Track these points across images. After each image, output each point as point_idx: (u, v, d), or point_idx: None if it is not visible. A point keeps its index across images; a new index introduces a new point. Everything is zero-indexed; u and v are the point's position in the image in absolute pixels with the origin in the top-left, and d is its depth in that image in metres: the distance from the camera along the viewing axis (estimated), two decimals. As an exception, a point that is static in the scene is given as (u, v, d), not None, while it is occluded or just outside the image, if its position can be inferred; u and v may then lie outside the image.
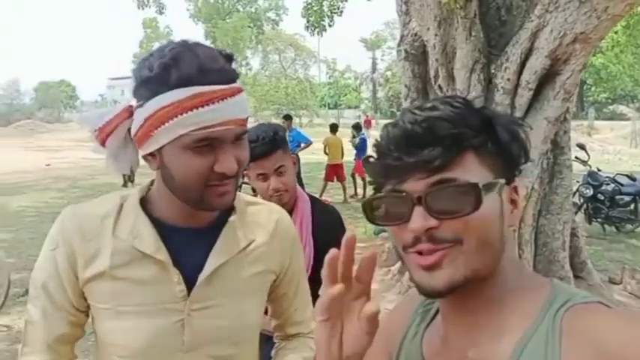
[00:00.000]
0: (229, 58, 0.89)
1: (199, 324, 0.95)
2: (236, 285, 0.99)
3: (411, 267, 0.66)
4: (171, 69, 0.83)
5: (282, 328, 1.20)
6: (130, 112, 0.90)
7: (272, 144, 1.73)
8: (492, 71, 4.24)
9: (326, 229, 1.89)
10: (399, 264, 5.14)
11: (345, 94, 61.68)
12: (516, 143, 0.67)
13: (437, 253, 0.63)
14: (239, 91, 0.88)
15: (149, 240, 0.94)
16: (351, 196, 10.20)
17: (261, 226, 1.05)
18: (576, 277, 4.49)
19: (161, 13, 17.43)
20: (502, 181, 0.65)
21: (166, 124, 0.84)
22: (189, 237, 0.97)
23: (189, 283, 0.95)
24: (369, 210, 0.69)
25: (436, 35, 4.32)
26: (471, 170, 0.63)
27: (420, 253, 0.64)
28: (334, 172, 9.99)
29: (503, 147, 0.65)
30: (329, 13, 15.19)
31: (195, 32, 42.96)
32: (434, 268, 0.63)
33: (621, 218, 7.13)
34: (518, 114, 4.25)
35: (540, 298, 0.66)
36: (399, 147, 0.64)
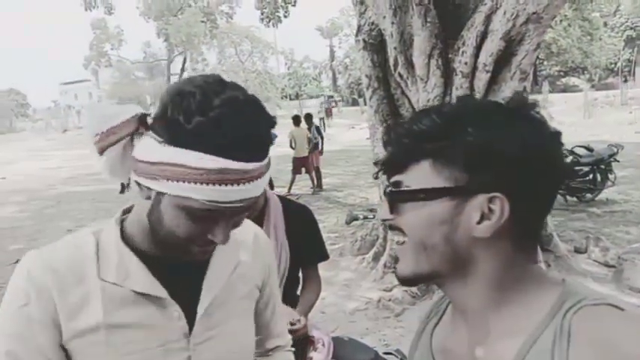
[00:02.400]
0: (272, 124, 0.80)
1: (205, 357, 0.92)
2: (232, 309, 0.97)
3: None
4: (210, 132, 0.73)
5: (262, 343, 1.17)
6: (140, 124, 0.79)
7: None
8: (450, 56, 4.30)
9: (300, 229, 1.89)
10: (372, 252, 5.20)
11: (306, 84, 61.50)
12: (479, 156, 0.65)
13: (397, 246, 0.73)
14: (268, 168, 0.81)
15: (141, 277, 0.86)
16: (317, 187, 10.22)
17: (243, 244, 1.02)
18: (543, 249, 4.64)
19: (110, 13, 16.96)
20: (455, 190, 0.66)
21: (181, 184, 0.74)
22: (178, 267, 0.89)
23: (188, 316, 0.90)
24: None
25: (393, 23, 4.34)
26: (420, 176, 0.68)
27: None
28: (301, 164, 9.98)
29: (464, 160, 0.66)
30: (283, 4, 15.08)
31: (147, 30, 41.85)
32: (396, 259, 0.74)
33: (581, 188, 7.38)
34: (477, 96, 4.33)
35: (551, 298, 0.66)
36: (384, 146, 0.75)
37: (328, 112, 21.15)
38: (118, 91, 47.93)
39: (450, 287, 0.72)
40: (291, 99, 56.80)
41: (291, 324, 1.73)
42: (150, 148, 0.77)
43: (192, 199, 0.75)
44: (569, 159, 7.46)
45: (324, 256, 1.97)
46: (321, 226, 1.96)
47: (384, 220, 0.75)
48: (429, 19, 4.16)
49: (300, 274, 1.99)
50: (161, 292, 0.87)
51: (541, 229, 0.74)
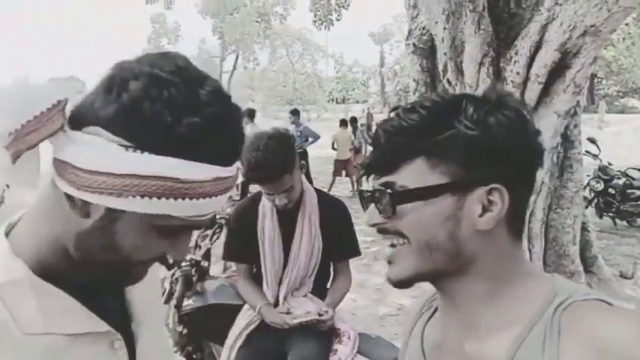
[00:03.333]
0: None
1: None
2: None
3: None
4: (205, 135, 0.59)
5: None
6: (64, 117, 0.60)
7: (279, 171, 1.71)
8: (501, 65, 4.21)
9: (334, 222, 1.91)
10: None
11: (353, 89, 61.46)
12: (477, 149, 0.65)
13: (391, 249, 0.70)
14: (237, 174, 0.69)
15: (76, 313, 0.67)
16: (357, 190, 10.21)
17: None
18: (587, 271, 4.48)
19: (169, 8, 17.53)
20: (455, 185, 0.65)
21: (164, 201, 0.59)
22: (93, 286, 0.71)
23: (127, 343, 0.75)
24: (360, 199, 0.77)
25: (444, 29, 4.30)
26: (416, 175, 0.66)
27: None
28: (342, 166, 10.00)
29: (459, 154, 0.65)
30: (336, 7, 15.19)
31: (203, 27, 43.03)
32: (389, 262, 0.71)
33: (632, 212, 7.05)
34: (528, 107, 4.22)
35: (540, 294, 0.66)
36: (372, 147, 0.72)
37: (370, 118, 21.14)
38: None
39: (448, 283, 0.71)
40: (337, 102, 56.96)
41: (319, 314, 1.75)
42: (108, 154, 0.57)
43: (172, 216, 0.61)
44: (621, 181, 7.17)
45: (356, 252, 1.98)
46: (357, 229, 1.98)
47: (374, 225, 0.71)
48: (482, 27, 4.10)
49: (332, 270, 2.01)
50: (103, 325, 0.69)
51: (525, 215, 0.74)
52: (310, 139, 9.68)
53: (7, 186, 0.65)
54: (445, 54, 4.41)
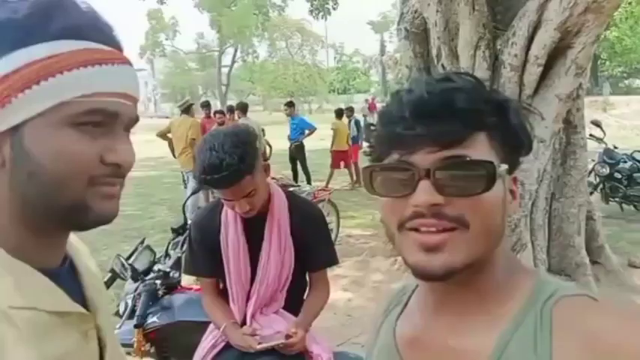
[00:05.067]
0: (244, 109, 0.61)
1: None
2: (108, 313, 0.81)
3: (407, 247, 0.62)
4: (52, 14, 0.58)
5: None
6: None
7: (237, 175, 1.49)
8: (498, 47, 3.98)
9: (307, 228, 1.71)
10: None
11: (354, 79, 61.10)
12: (524, 131, 0.65)
13: (441, 234, 0.60)
14: (131, 64, 0.66)
15: (54, 293, 0.64)
16: (356, 182, 9.99)
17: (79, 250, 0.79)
18: (593, 262, 4.26)
19: (162, 3, 17.27)
20: (506, 167, 0.63)
21: (41, 84, 0.57)
22: (59, 281, 0.67)
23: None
24: (369, 178, 0.65)
25: (437, 11, 4.07)
26: (482, 151, 0.61)
27: (417, 230, 0.60)
28: (340, 158, 9.78)
29: (512, 133, 0.63)
30: (332, -4, 14.89)
31: (200, 21, 42.77)
32: (435, 250, 0.60)
33: (640, 197, 6.84)
34: (527, 91, 4.00)
35: (525, 289, 0.64)
36: (412, 115, 0.60)
37: (371, 108, 20.91)
38: (171, 80, 49.18)
39: (471, 273, 0.63)
40: (339, 93, 56.63)
41: (287, 337, 1.55)
42: None
43: (64, 103, 0.57)
44: (628, 164, 6.93)
45: (333, 261, 1.79)
46: (354, 222, 1.79)
47: (434, 205, 0.59)
48: (476, 7, 3.86)
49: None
50: (79, 306, 0.66)
51: None
52: (306, 132, 9.48)
53: None
54: (438, 38, 4.18)
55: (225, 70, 43.50)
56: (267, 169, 1.68)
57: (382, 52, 58.05)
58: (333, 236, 5.70)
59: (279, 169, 9.83)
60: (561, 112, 3.89)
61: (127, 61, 0.64)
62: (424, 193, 0.59)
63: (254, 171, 1.53)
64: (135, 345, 1.93)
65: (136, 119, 0.67)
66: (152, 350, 1.98)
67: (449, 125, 0.59)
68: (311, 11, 15.32)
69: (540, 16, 3.68)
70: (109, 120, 0.61)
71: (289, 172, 9.47)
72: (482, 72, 4.01)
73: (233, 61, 43.42)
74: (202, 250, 1.71)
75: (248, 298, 1.68)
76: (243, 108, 8.24)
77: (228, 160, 1.45)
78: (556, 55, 3.76)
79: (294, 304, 1.73)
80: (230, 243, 1.65)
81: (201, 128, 7.62)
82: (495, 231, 0.62)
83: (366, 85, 59.76)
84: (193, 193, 2.32)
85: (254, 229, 1.66)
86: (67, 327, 0.65)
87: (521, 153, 0.66)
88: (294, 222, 1.68)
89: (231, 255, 1.65)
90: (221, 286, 1.77)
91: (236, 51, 43.62)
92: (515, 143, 0.64)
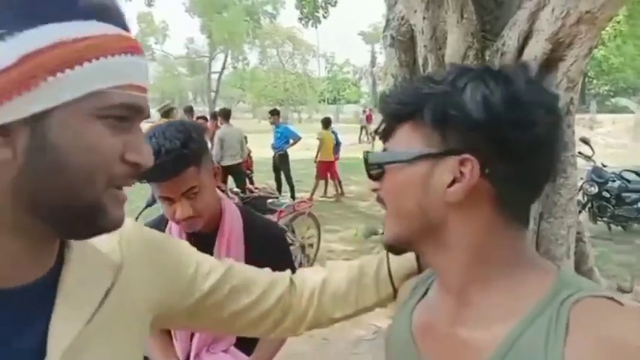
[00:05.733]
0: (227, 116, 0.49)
1: None
2: (115, 342, 0.65)
3: None
4: None
5: (266, 313, 0.88)
6: None
7: (179, 163, 1.25)
8: (487, 58, 3.79)
9: (265, 252, 1.46)
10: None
11: (345, 89, 61.26)
12: (450, 114, 0.64)
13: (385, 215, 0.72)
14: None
15: None
16: (340, 194, 9.76)
17: (110, 257, 0.68)
18: (581, 286, 4.08)
19: (150, 5, 17.06)
20: (430, 151, 0.65)
21: (76, 68, 0.50)
22: (11, 305, 0.57)
23: None
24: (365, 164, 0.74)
25: (424, 18, 3.87)
26: (402, 141, 0.69)
27: None
28: (326, 169, 9.57)
29: (438, 122, 0.65)
30: (323, 4, 14.78)
31: (191, 26, 42.59)
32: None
33: (628, 217, 6.72)
34: (516, 105, 3.85)
35: (544, 285, 0.64)
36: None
37: (368, 119, 20.93)
38: (160, 85, 48.84)
39: (430, 256, 0.71)
40: (329, 103, 56.70)
41: None
42: None
43: (104, 92, 0.53)
44: (616, 184, 6.82)
45: None
46: (337, 236, 1.57)
47: (374, 190, 0.74)
48: (465, 15, 3.66)
49: None
50: None
51: (530, 201, 0.70)
52: (291, 141, 9.26)
53: None
54: (425, 46, 3.97)
55: (215, 77, 43.27)
56: (216, 174, 1.44)
57: (373, 63, 58.34)
58: (312, 251, 5.48)
59: (264, 178, 9.61)
60: (551, 128, 3.72)
61: (142, 52, 0.60)
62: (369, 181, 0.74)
63: (199, 164, 1.30)
64: None
65: (149, 115, 0.64)
66: None
67: (385, 122, 0.72)
68: (300, 19, 15.21)
69: (531, 25, 3.50)
70: (134, 115, 0.58)
71: (273, 182, 9.24)
72: (470, 83, 3.84)
73: (223, 68, 43.20)
74: None
75: (193, 334, 1.44)
76: (225, 115, 8.01)
77: (168, 145, 1.23)
78: (547, 67, 3.58)
79: (248, 340, 1.48)
80: None
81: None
82: (406, 213, 0.68)
83: (356, 95, 59.95)
84: (148, 206, 2.07)
85: (202, 249, 1.41)
86: None
87: (456, 134, 0.64)
88: (250, 245, 1.44)
89: None
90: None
91: (226, 57, 43.44)
92: (441, 128, 0.65)
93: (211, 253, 1.39)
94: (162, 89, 48.53)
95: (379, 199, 0.73)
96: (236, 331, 0.96)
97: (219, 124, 8.27)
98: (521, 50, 3.68)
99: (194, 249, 0.88)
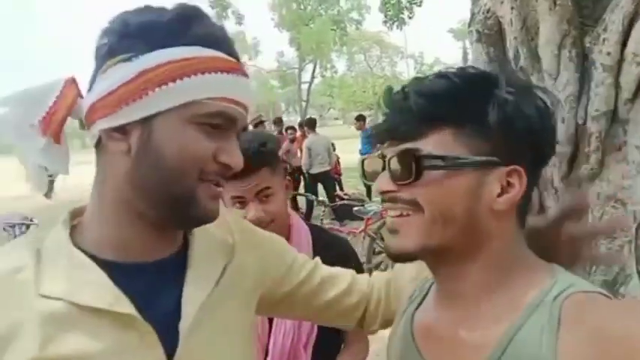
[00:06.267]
0: (312, 125, 0.56)
1: None
2: (224, 325, 0.78)
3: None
4: (191, 21, 0.68)
5: (351, 309, 0.98)
6: (76, 88, 0.69)
7: (256, 159, 1.30)
8: (587, 45, 3.47)
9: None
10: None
11: (436, 88, 59.93)
12: (513, 129, 0.65)
13: (397, 218, 0.69)
14: (248, 77, 0.74)
15: (100, 288, 0.66)
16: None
17: (225, 242, 0.83)
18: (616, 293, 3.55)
19: (240, 23, 17.95)
20: (480, 159, 0.65)
21: (177, 82, 0.65)
22: (148, 275, 0.72)
23: (166, 340, 0.70)
24: (361, 167, 0.78)
25: (512, 9, 3.63)
26: (441, 145, 0.67)
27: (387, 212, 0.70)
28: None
29: (489, 129, 0.65)
30: (407, 5, 14.54)
31: (280, 40, 44.09)
32: (393, 232, 0.70)
33: None
34: (625, 95, 3.42)
35: (538, 283, 0.67)
36: (388, 113, 0.72)
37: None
38: (255, 99, 51.04)
39: (453, 268, 0.70)
40: (419, 104, 55.64)
41: None
42: (118, 73, 0.66)
43: (194, 102, 0.66)
44: None
45: None
46: None
47: (385, 192, 0.70)
48: (558, 1, 3.39)
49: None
50: (126, 306, 0.67)
51: (530, 201, 0.71)
52: (379, 146, 9.20)
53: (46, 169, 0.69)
54: (515, 38, 3.72)
55: (305, 87, 44.28)
56: (288, 186, 1.44)
57: (464, 59, 56.42)
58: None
59: (355, 183, 9.59)
60: (667, 118, 3.30)
61: (246, 74, 0.73)
62: (380, 181, 0.70)
63: (274, 168, 1.37)
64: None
65: (247, 127, 0.74)
66: None
67: (401, 122, 0.68)
68: (385, 22, 15.07)
69: (637, 6, 3.15)
70: (227, 124, 0.70)
71: (363, 188, 9.22)
72: (569, 74, 3.51)
73: (312, 77, 44.07)
74: None
75: (266, 354, 1.43)
76: (310, 124, 8.17)
77: (247, 144, 1.27)
78: (659, 51, 3.19)
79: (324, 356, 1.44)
80: None
81: (271, 145, 7.63)
82: (453, 219, 0.66)
83: (448, 94, 58.39)
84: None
85: None
86: (107, 325, 0.65)
87: (518, 147, 0.65)
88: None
89: None
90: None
91: (315, 67, 44.28)
92: (497, 138, 0.65)
93: None
94: (256, 103, 50.65)
95: (396, 200, 0.69)
96: (326, 322, 1.04)
97: (306, 133, 8.44)
98: (626, 34, 3.33)
99: (287, 245, 1.00)
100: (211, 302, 0.75)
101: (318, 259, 1.00)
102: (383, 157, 0.70)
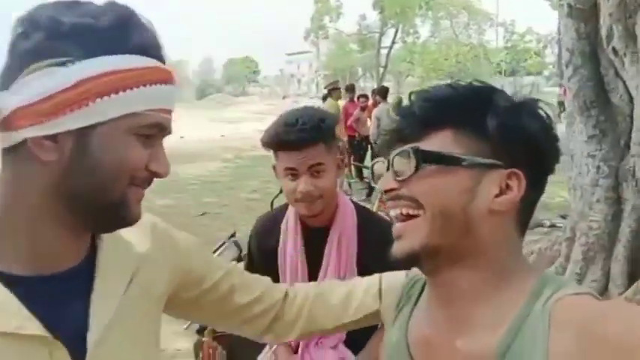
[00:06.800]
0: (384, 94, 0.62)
1: None
2: (133, 335, 0.76)
3: None
4: (129, 28, 0.66)
5: (258, 315, 0.99)
6: None
7: (314, 132, 1.31)
8: (695, 25, 3.12)
9: (380, 250, 1.43)
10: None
11: (525, 59, 56.15)
12: (511, 134, 0.68)
13: (401, 224, 0.71)
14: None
15: (5, 310, 0.63)
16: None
17: (137, 246, 0.81)
18: None
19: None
20: (478, 159, 0.67)
21: (119, 94, 0.64)
22: (58, 287, 0.69)
23: (76, 352, 0.68)
24: (372, 171, 0.80)
25: (610, -18, 3.32)
26: (441, 144, 0.68)
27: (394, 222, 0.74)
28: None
29: (488, 132, 0.68)
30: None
31: (364, 3, 42.95)
32: (398, 237, 0.72)
33: None
34: None
35: (528, 289, 0.67)
36: (396, 120, 0.75)
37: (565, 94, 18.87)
38: (332, 62, 50.54)
39: (450, 268, 0.70)
40: (506, 75, 52.64)
41: None
42: (52, 77, 0.62)
43: (140, 114, 0.66)
44: None
45: None
46: None
47: (388, 191, 0.72)
48: (664, -25, 3.06)
49: None
50: (34, 328, 0.64)
51: (533, 212, 0.73)
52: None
53: None
54: (610, 15, 3.43)
55: (384, 52, 43.24)
56: (340, 165, 1.45)
57: (560, 30, 52.25)
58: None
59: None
60: None
61: (175, 80, 0.72)
62: (383, 180, 0.73)
63: (329, 145, 1.37)
64: (204, 346, 1.88)
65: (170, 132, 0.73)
66: (224, 353, 1.90)
67: (405, 123, 0.72)
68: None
69: None
70: (160, 133, 0.71)
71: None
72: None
73: (393, 42, 42.88)
74: (259, 260, 1.55)
75: None
76: (382, 92, 7.96)
77: (306, 118, 1.33)
78: None
79: (358, 341, 1.47)
80: (288, 256, 1.47)
81: (343, 112, 7.56)
82: (450, 217, 0.67)
83: (538, 66, 54.57)
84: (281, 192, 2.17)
85: (315, 243, 1.45)
86: (16, 347, 0.63)
87: (514, 151, 0.68)
88: (365, 243, 1.43)
89: (288, 270, 1.47)
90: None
91: (397, 32, 42.97)
92: (496, 141, 0.67)
93: (324, 248, 1.43)
94: (333, 66, 50.20)
95: (399, 197, 0.70)
96: (232, 328, 1.04)
97: (377, 102, 8.27)
98: None
99: (206, 249, 1.00)
100: (120, 313, 0.73)
101: (235, 265, 1.01)
102: (387, 159, 0.73)
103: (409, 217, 0.70)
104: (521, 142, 0.68)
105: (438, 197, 0.67)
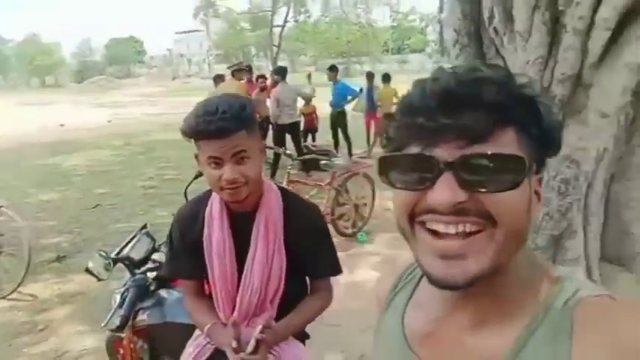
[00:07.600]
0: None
1: None
2: None
3: (422, 250, 0.60)
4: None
5: None
6: None
7: (235, 121, 1.29)
8: (560, 8, 3.48)
9: (305, 234, 1.46)
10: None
11: (409, 38, 59.00)
12: (555, 130, 0.61)
13: (463, 239, 0.56)
14: None
15: None
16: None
17: None
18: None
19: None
20: (534, 167, 0.60)
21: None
22: None
23: None
24: (384, 168, 0.62)
25: (490, -33, 3.59)
26: (510, 147, 0.57)
27: (436, 232, 0.58)
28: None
29: (542, 131, 0.59)
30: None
31: (253, -19, 42.11)
32: (457, 257, 0.57)
33: None
34: (591, 59, 3.49)
35: (545, 289, 0.63)
36: (436, 106, 0.56)
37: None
38: (224, 41, 49.23)
39: (488, 284, 0.61)
40: (393, 53, 54.94)
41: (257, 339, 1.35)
42: None
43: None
44: None
45: (335, 271, 1.55)
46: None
47: (457, 204, 0.56)
48: (535, -38, 3.36)
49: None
50: None
51: None
52: (349, 98, 9.10)
53: None
54: (491, -2, 3.70)
55: (277, 30, 43.00)
56: (263, 151, 1.46)
57: (441, 8, 55.47)
58: (367, 210, 5.45)
59: (323, 134, 9.59)
60: (629, 84, 3.39)
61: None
62: (446, 189, 0.56)
63: (251, 132, 1.35)
64: (124, 342, 1.80)
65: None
66: (145, 347, 1.84)
67: (475, 118, 0.55)
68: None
69: (612, -29, 3.16)
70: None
71: (331, 140, 9.21)
72: (540, 37, 3.54)
73: (285, 21, 42.74)
74: (183, 249, 1.51)
75: (234, 306, 1.49)
76: (280, 72, 7.93)
77: (226, 106, 1.30)
78: (627, 19, 3.24)
79: (287, 315, 1.51)
80: (214, 242, 1.45)
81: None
82: (521, 234, 0.59)
83: (422, 44, 57.60)
84: (197, 177, 2.11)
85: (241, 228, 1.44)
86: None
87: (549, 153, 0.61)
88: (290, 226, 1.45)
89: (215, 256, 1.45)
90: (207, 292, 1.58)
91: (288, 10, 42.85)
92: (544, 142, 0.60)
93: (250, 232, 1.44)
94: (225, 45, 48.92)
95: (465, 212, 0.56)
96: None
97: (276, 82, 8.22)
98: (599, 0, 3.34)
99: None
100: None
101: None
102: (437, 159, 0.56)
103: (470, 233, 0.57)
104: (557, 144, 0.61)
105: (514, 212, 0.56)
